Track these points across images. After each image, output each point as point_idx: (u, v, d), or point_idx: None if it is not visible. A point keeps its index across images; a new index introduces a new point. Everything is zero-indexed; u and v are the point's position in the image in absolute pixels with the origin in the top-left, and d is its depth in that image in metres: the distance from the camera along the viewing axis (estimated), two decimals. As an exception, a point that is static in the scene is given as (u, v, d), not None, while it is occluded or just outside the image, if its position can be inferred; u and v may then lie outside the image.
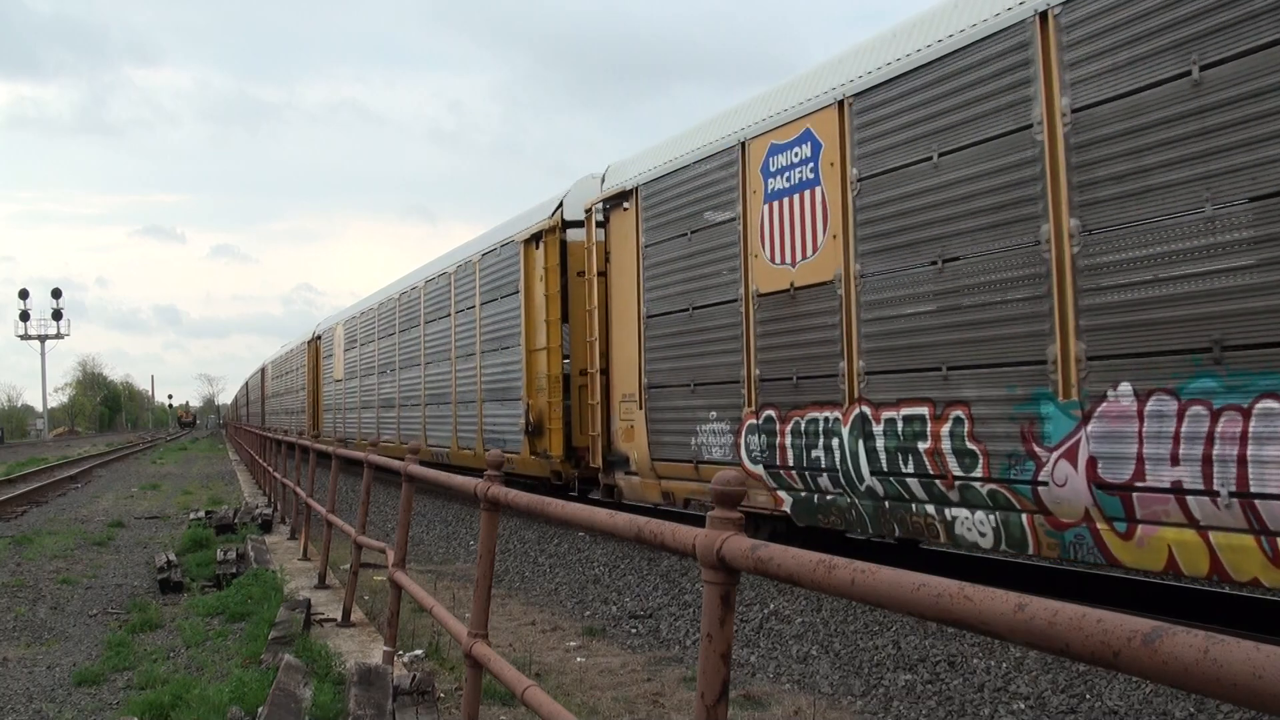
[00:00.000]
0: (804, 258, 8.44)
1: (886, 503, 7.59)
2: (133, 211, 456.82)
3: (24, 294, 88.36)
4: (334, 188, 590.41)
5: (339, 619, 7.69)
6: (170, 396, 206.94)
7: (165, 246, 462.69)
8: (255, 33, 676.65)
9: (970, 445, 6.79)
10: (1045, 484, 6.25)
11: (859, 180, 7.79)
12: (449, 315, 17.40)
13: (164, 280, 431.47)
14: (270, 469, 18.25)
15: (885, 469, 7.51)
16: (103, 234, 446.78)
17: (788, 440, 8.58)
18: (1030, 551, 6.52)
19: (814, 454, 8.27)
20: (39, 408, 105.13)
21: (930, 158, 7.12)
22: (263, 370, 50.17)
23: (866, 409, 7.69)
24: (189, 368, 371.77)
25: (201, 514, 15.19)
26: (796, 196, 8.51)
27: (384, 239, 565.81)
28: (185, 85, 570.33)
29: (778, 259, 8.76)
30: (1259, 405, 5.12)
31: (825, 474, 8.13)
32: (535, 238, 13.75)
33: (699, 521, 2.71)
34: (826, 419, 8.13)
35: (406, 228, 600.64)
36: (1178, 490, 5.46)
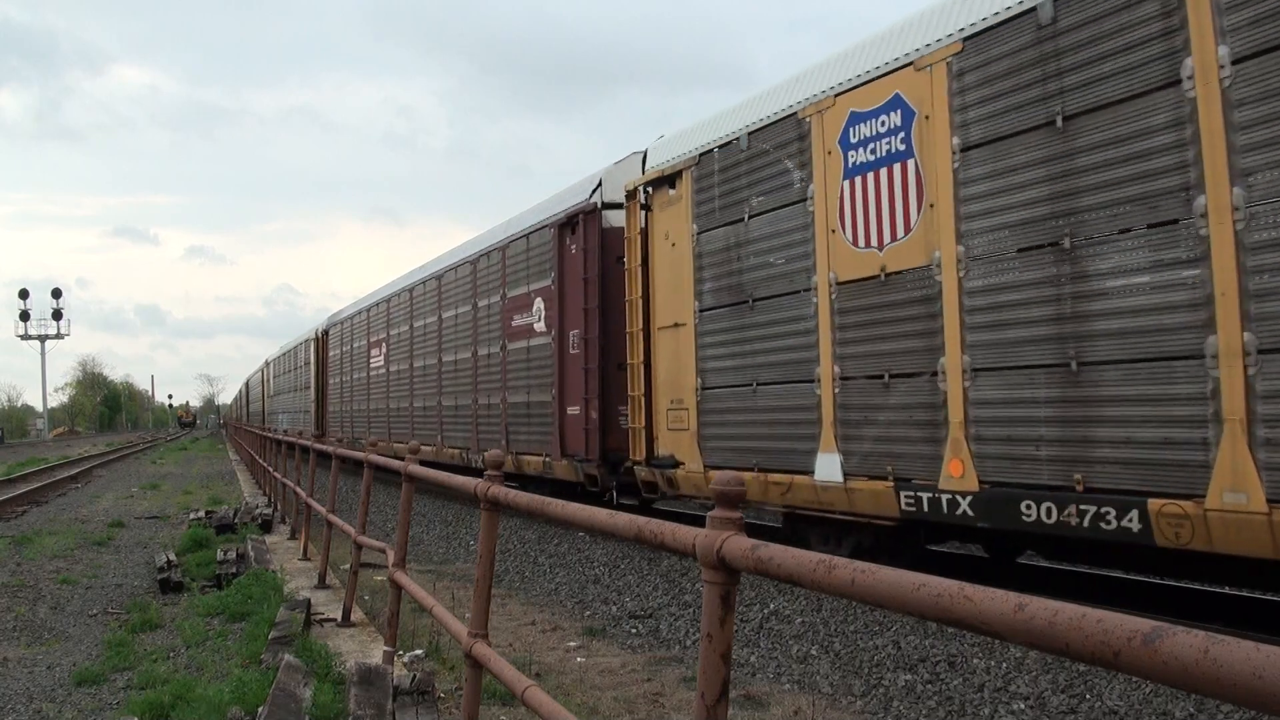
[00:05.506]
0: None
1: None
2: (103, 214, 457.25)
3: (24, 294, 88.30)
4: (305, 191, 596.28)
5: (339, 619, 7.69)
6: (170, 396, 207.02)
7: (139, 248, 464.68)
8: (205, 42, 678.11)
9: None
10: None
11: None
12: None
13: (143, 281, 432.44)
14: (270, 469, 18.25)
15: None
16: (77, 236, 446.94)
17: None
18: None
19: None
20: (39, 408, 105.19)
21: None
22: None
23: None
24: (180, 368, 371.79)
25: (201, 514, 15.18)
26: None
27: (361, 239, 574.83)
28: (140, 92, 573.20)
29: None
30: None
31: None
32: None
33: (700, 522, 2.71)
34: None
35: (377, 228, 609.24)
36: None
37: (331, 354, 29.99)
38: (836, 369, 8.22)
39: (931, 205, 7.31)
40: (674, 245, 10.56)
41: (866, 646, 6.71)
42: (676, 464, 10.41)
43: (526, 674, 3.83)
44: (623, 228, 11.83)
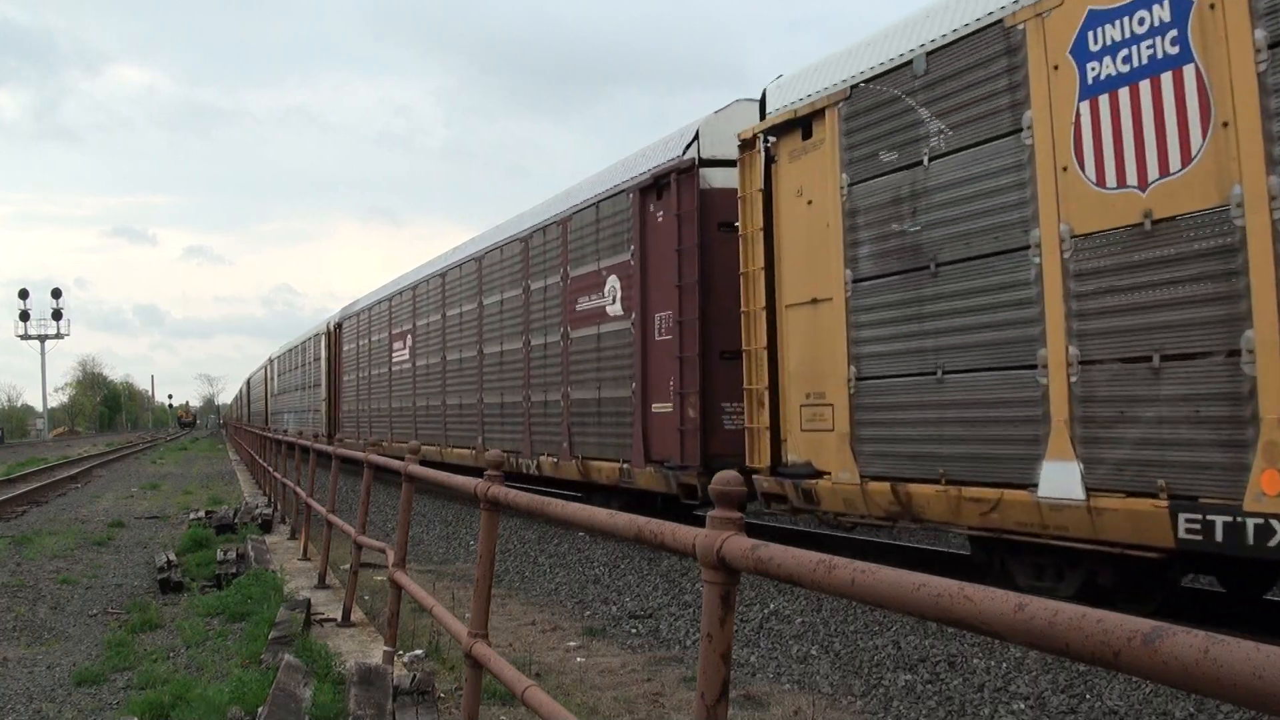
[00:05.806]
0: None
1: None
2: (102, 214, 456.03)
3: (24, 294, 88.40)
4: (303, 191, 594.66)
5: (339, 619, 7.69)
6: (170, 396, 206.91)
7: (138, 248, 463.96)
8: (203, 42, 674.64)
9: None
10: None
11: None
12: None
13: (142, 281, 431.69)
14: (270, 469, 18.25)
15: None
16: (77, 236, 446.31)
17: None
18: None
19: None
20: (39, 408, 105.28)
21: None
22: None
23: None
24: (180, 368, 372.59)
25: (201, 514, 15.19)
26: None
27: (359, 239, 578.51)
28: (138, 92, 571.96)
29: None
30: None
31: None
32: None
33: (699, 522, 2.71)
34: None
35: (375, 228, 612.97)
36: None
37: (345, 349, 27.88)
38: (1073, 350, 6.34)
39: (1225, 124, 5.52)
40: (810, 203, 8.61)
41: (866, 646, 6.71)
42: (817, 473, 8.44)
43: (526, 674, 3.83)
44: (723, 189, 10.18)
